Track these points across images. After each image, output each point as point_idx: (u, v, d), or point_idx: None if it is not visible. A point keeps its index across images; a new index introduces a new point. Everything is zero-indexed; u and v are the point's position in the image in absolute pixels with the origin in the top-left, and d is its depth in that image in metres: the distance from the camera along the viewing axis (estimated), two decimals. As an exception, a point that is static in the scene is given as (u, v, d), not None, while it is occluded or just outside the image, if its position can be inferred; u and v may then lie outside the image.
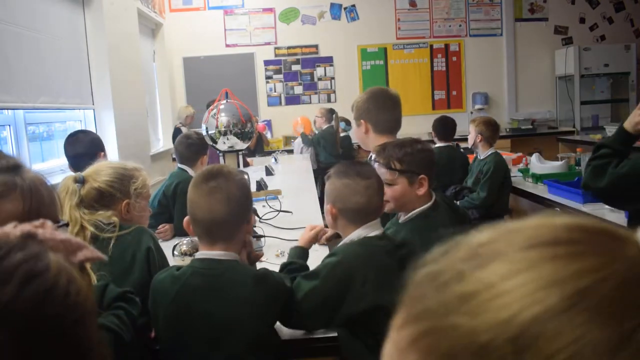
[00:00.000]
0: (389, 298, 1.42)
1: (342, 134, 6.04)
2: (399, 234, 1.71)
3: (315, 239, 1.74)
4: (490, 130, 3.62)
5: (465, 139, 6.27)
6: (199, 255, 1.40)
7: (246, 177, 1.53)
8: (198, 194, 1.37)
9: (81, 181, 1.59)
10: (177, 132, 6.09)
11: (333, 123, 5.91)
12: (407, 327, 0.33)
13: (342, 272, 1.43)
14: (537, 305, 0.29)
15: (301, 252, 1.69)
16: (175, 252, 2.00)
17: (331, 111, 6.00)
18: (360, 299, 1.41)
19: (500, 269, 0.31)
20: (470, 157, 4.67)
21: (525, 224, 0.35)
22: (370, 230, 1.53)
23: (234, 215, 1.38)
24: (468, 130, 3.77)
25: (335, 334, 1.45)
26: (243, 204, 1.41)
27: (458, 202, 3.53)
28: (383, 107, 2.32)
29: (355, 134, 2.41)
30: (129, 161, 1.79)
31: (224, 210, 1.35)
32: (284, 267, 1.63)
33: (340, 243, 1.58)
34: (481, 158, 3.61)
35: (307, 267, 1.64)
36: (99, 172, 1.65)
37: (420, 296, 0.34)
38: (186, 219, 1.43)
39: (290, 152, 6.45)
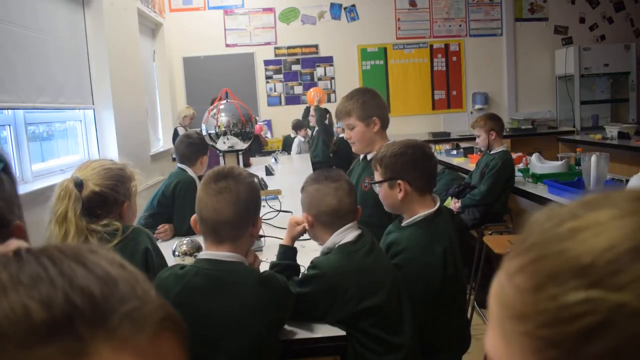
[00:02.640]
0: (373, 300, 1.42)
1: (342, 135, 6.05)
2: (401, 238, 1.71)
3: (302, 234, 1.72)
4: (500, 124, 3.64)
5: (465, 139, 6.29)
6: (204, 255, 1.39)
7: (256, 180, 1.52)
8: (206, 192, 1.38)
9: (80, 184, 1.54)
10: (176, 133, 6.09)
11: (327, 121, 5.97)
12: (518, 257, 0.40)
13: (323, 284, 1.48)
14: (634, 240, 0.36)
15: (289, 252, 1.69)
16: (176, 252, 2.00)
17: (326, 110, 6.06)
18: (345, 305, 1.46)
19: (610, 212, 0.38)
20: (472, 158, 4.68)
21: (624, 189, 0.42)
22: (345, 234, 1.56)
23: (240, 217, 1.38)
24: (474, 134, 3.70)
25: (336, 334, 1.46)
26: (250, 206, 1.41)
27: (460, 200, 3.54)
28: (383, 104, 2.33)
29: (363, 135, 2.27)
30: (109, 158, 1.75)
31: (230, 211, 1.35)
32: (272, 267, 1.63)
33: (320, 251, 1.62)
34: (491, 153, 3.60)
35: (295, 266, 1.66)
36: (96, 173, 1.60)
37: (534, 232, 0.40)
38: (194, 216, 1.43)
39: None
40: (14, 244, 0.72)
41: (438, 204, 1.75)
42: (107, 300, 0.40)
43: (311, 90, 6.13)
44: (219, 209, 1.35)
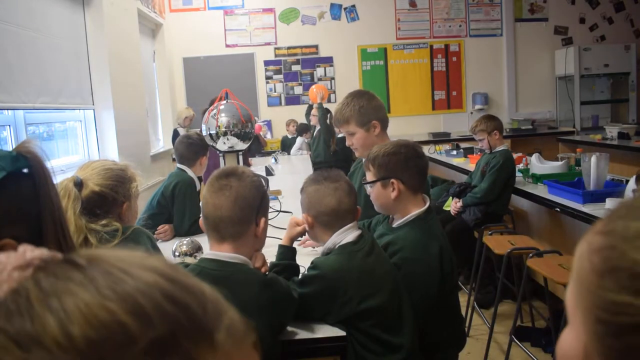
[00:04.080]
0: (373, 300, 1.41)
1: (340, 135, 6.04)
2: (396, 238, 1.71)
3: (301, 234, 1.74)
4: (500, 123, 3.66)
5: (465, 139, 6.29)
6: (208, 255, 1.40)
7: (263, 181, 1.52)
8: (209, 190, 1.40)
9: (79, 183, 1.54)
10: (175, 134, 6.09)
11: (328, 122, 5.94)
12: (602, 236, 0.45)
13: (324, 285, 1.48)
14: None
15: (288, 252, 1.70)
16: (176, 253, 2.00)
17: (327, 111, 6.04)
18: (345, 305, 1.46)
19: None
20: (472, 159, 4.68)
21: None
22: (345, 235, 1.56)
23: (241, 214, 1.38)
24: (476, 138, 3.68)
25: (336, 335, 1.46)
26: (252, 204, 1.40)
27: (461, 200, 3.53)
28: (379, 105, 2.29)
29: (365, 141, 2.21)
30: (110, 158, 1.75)
31: (230, 208, 1.36)
32: (272, 267, 1.63)
33: (320, 251, 1.62)
34: (492, 152, 3.59)
35: (294, 267, 1.66)
36: (96, 173, 1.60)
37: (613, 217, 0.45)
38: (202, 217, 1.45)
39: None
40: (12, 251, 0.52)
41: (428, 203, 1.76)
42: (206, 313, 0.35)
43: (313, 87, 6.02)
44: (219, 205, 1.36)
